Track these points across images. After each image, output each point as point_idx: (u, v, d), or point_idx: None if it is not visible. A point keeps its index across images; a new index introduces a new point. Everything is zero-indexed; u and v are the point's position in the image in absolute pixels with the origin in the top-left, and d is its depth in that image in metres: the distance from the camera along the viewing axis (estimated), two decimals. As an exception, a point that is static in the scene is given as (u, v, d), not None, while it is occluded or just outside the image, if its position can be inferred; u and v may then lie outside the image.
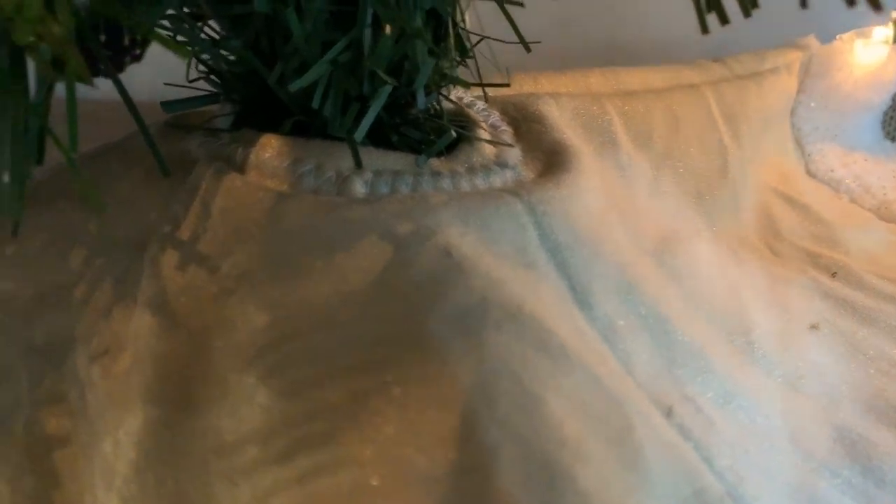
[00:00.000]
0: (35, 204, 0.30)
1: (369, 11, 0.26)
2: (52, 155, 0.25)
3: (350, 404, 0.20)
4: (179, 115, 0.31)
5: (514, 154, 0.30)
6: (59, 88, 0.24)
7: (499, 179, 0.28)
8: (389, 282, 0.22)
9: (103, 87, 0.26)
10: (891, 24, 0.51)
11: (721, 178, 0.42)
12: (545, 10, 0.29)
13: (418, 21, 0.27)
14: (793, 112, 0.53)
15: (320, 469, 0.20)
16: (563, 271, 0.26)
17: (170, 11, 0.27)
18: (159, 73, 0.32)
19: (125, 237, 0.28)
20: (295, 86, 0.26)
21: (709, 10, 0.24)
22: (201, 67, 0.31)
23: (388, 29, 0.27)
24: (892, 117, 0.52)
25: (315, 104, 0.27)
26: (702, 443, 0.25)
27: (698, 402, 0.26)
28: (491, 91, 0.33)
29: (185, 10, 0.28)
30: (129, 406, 0.22)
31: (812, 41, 0.53)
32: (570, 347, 0.22)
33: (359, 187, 0.26)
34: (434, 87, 0.29)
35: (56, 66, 0.23)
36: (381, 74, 0.26)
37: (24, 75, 0.24)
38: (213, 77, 0.30)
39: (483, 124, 0.31)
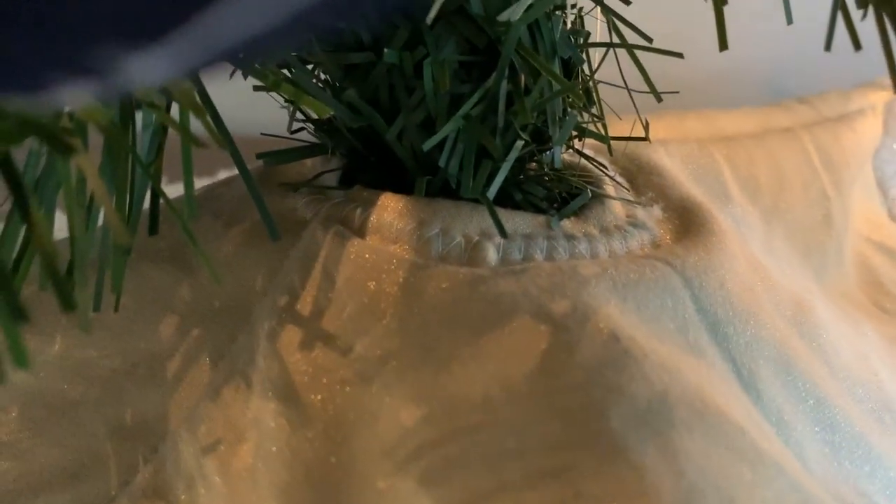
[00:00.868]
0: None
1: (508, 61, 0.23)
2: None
3: (535, 524, 0.17)
4: (275, 167, 0.29)
5: (648, 214, 0.27)
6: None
7: (636, 242, 0.26)
8: (554, 371, 0.20)
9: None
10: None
11: (826, 230, 0.39)
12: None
13: (558, 71, 0.24)
14: (875, 154, 0.51)
15: None
16: (727, 352, 0.23)
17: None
18: (255, 116, 0.30)
19: (224, 306, 0.26)
20: (429, 143, 0.23)
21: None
22: (300, 116, 0.29)
23: (523, 79, 0.24)
24: (982, 161, 0.50)
25: (442, 162, 0.24)
26: (890, 549, 0.22)
27: (871, 496, 0.24)
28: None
29: (295, 55, 0.25)
30: (260, 513, 0.20)
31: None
32: (762, 448, 0.19)
33: (491, 254, 0.24)
34: (570, 142, 0.26)
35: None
36: (519, 130, 0.24)
37: (130, 126, 0.22)
38: (316, 128, 0.28)
39: (608, 180, 0.28)
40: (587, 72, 0.27)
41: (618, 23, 0.26)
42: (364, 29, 0.24)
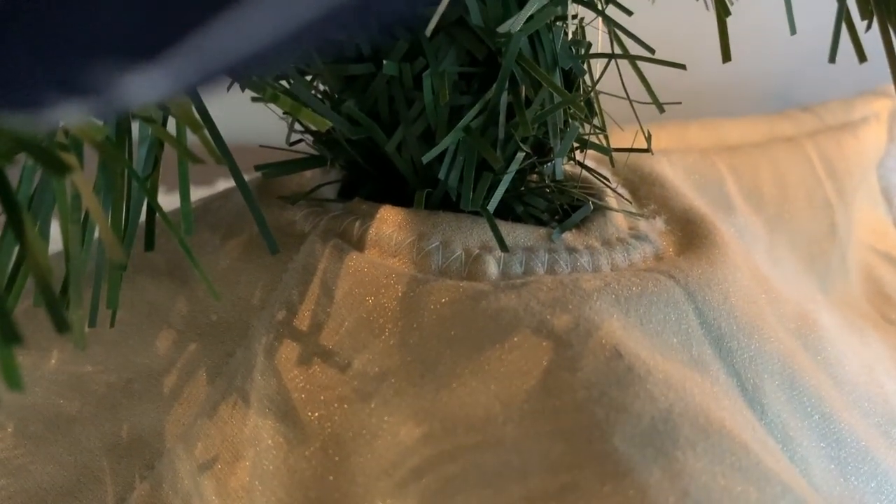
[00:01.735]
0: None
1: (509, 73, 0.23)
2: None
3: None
4: (273, 180, 0.29)
5: (651, 226, 0.27)
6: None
7: (638, 255, 0.25)
8: (556, 389, 0.19)
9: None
10: None
11: (830, 239, 0.39)
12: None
13: (559, 83, 0.24)
14: (880, 163, 0.50)
15: None
16: (730, 367, 0.23)
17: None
18: (254, 127, 0.29)
19: (222, 320, 0.25)
20: (428, 156, 0.23)
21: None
22: (298, 127, 0.28)
23: (523, 91, 0.24)
24: None
25: (442, 175, 0.24)
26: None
27: (879, 513, 0.23)
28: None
29: (293, 67, 0.25)
30: (257, 534, 0.19)
31: (897, 89, 0.50)
32: (767, 466, 0.19)
33: (492, 268, 0.24)
34: (571, 154, 0.26)
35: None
36: (520, 142, 0.24)
37: (126, 141, 0.21)
38: (314, 139, 0.27)
39: (610, 192, 0.28)
40: (588, 83, 0.27)
41: (619, 33, 0.26)
42: (364, 40, 0.24)
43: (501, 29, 0.22)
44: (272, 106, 0.27)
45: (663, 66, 0.26)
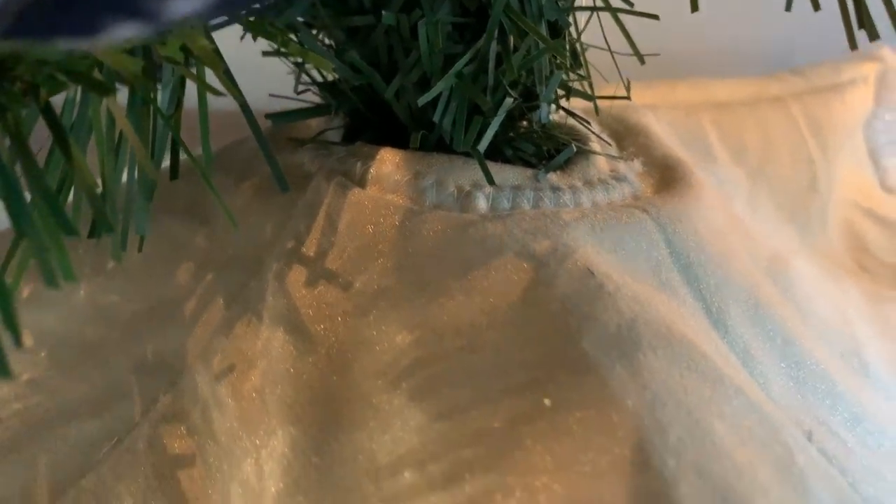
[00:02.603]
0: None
1: (497, 23, 0.25)
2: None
3: (512, 428, 0.19)
4: (282, 127, 0.31)
5: (630, 168, 0.29)
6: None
7: (617, 194, 0.28)
8: (534, 301, 0.22)
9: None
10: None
11: (811, 193, 0.41)
12: (595, 20, 0.28)
13: (545, 34, 0.26)
14: (867, 124, 0.52)
15: (488, 495, 0.19)
16: (697, 292, 0.25)
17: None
18: (263, 83, 0.31)
19: (236, 254, 0.28)
20: (423, 99, 0.25)
21: (860, 27, 0.23)
22: (305, 78, 0.31)
23: (512, 41, 0.26)
24: (972, 130, 0.51)
25: (436, 118, 0.26)
26: (846, 469, 0.24)
27: (831, 425, 0.26)
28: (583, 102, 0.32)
29: (301, 19, 0.27)
30: (268, 427, 0.22)
31: (886, 52, 0.52)
32: (724, 372, 0.21)
33: (481, 203, 0.26)
34: (556, 100, 0.28)
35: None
36: (507, 88, 0.26)
37: (154, 78, 0.24)
38: (320, 89, 0.30)
39: (595, 138, 0.30)
40: (574, 35, 0.29)
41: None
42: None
43: (490, -19, 0.24)
44: (281, 64, 0.29)
45: (660, 30, 0.28)
